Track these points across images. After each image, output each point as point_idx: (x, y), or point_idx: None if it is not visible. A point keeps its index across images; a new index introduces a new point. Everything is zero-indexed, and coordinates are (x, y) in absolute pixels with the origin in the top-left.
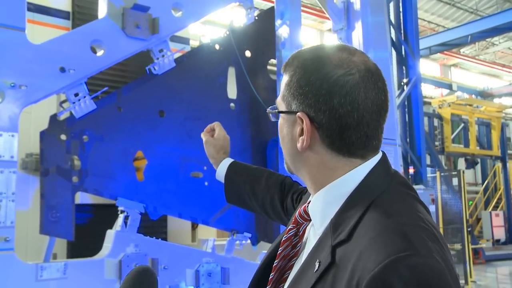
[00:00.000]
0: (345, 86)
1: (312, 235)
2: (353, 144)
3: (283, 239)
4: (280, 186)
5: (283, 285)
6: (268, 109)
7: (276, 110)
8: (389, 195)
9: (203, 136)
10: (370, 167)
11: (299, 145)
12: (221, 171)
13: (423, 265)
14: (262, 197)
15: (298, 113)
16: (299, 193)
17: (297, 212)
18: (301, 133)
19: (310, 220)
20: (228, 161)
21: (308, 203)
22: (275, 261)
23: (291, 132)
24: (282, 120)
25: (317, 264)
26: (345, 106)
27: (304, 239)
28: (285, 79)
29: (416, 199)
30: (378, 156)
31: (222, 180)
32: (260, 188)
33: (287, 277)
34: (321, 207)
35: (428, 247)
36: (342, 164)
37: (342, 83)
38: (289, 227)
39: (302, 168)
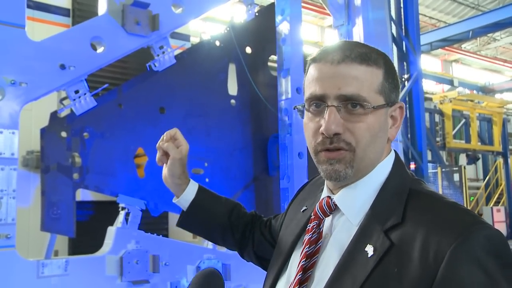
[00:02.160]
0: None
1: (340, 227)
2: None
3: (307, 237)
4: (253, 218)
5: (307, 285)
6: (374, 106)
7: (388, 104)
8: (418, 183)
9: (169, 149)
10: (393, 158)
11: (391, 135)
12: (187, 197)
13: (495, 235)
14: (242, 229)
15: (400, 103)
16: (266, 222)
17: (317, 207)
18: (392, 123)
19: (330, 214)
20: (194, 185)
21: (329, 198)
22: (302, 261)
23: (386, 124)
24: (378, 114)
25: (370, 250)
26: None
27: (324, 234)
28: (376, 71)
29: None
30: (393, 150)
31: (185, 206)
32: (239, 221)
33: (310, 275)
34: (356, 197)
35: (485, 220)
36: (387, 151)
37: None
38: (312, 225)
39: (378, 160)
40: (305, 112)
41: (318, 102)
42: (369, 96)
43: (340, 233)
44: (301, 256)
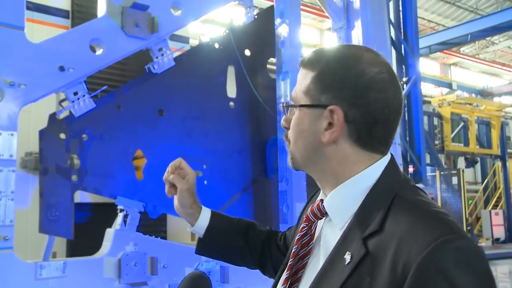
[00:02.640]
0: (379, 83)
1: (329, 231)
2: (378, 140)
3: (297, 237)
4: (269, 234)
5: (297, 285)
6: (287, 103)
7: (299, 104)
8: (409, 189)
9: (176, 181)
10: (385, 163)
11: (325, 139)
12: (202, 224)
13: (467, 247)
14: (261, 248)
15: (331, 107)
16: (281, 236)
17: (309, 210)
18: (328, 127)
19: (323, 217)
20: (207, 212)
21: (321, 201)
22: (290, 260)
23: (314, 125)
24: (302, 114)
25: (348, 257)
26: (379, 102)
27: (316, 237)
28: (309, 74)
29: (424, 192)
30: (388, 155)
31: (201, 233)
32: (255, 240)
33: (301, 276)
34: (342, 202)
35: (463, 231)
36: (364, 159)
37: (377, 80)
38: (302, 226)
39: (320, 162)
40: None
41: None
42: (297, 96)
43: (328, 236)
44: (291, 255)
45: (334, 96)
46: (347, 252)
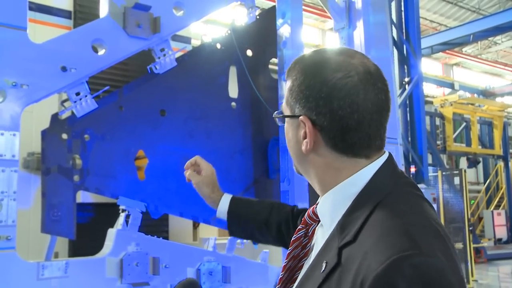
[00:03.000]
0: (343, 89)
1: (321, 235)
2: (355, 145)
3: (292, 239)
4: (291, 213)
5: (293, 286)
6: (275, 114)
7: (281, 115)
8: (395, 196)
9: (191, 177)
10: (376, 167)
11: (303, 147)
12: (223, 209)
13: (425, 264)
14: (277, 227)
15: (301, 117)
16: (299, 215)
17: (306, 213)
18: (305, 136)
19: (319, 221)
20: (227, 197)
21: (317, 204)
22: (285, 261)
23: (295, 135)
24: (287, 124)
25: (324, 265)
26: (345, 108)
27: (313, 240)
28: (288, 84)
29: (422, 198)
30: (385, 156)
31: (225, 217)
32: (272, 219)
33: (297, 277)
34: (330, 208)
35: (432, 246)
36: (348, 165)
37: (341, 86)
38: (298, 228)
39: (309, 169)
40: None
41: None
42: (282, 106)
43: (319, 240)
44: (286, 256)
45: (304, 106)
46: (324, 260)
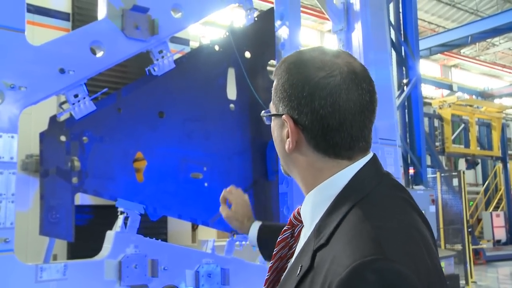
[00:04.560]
0: (325, 88)
1: (303, 237)
2: (337, 145)
3: (278, 239)
4: None
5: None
6: (262, 113)
7: (267, 114)
8: (373, 198)
9: (222, 211)
10: (356, 169)
11: (286, 146)
12: (252, 237)
13: (388, 270)
14: None
15: (283, 116)
16: None
17: (292, 213)
18: (288, 135)
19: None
20: (256, 225)
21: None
22: (271, 262)
23: (280, 134)
24: (273, 123)
25: (299, 268)
26: (326, 108)
27: (297, 241)
28: (274, 83)
29: (405, 200)
30: (367, 157)
31: (256, 245)
32: None
33: (281, 277)
34: (310, 209)
35: (399, 250)
36: (330, 165)
37: (323, 85)
38: (284, 228)
39: (293, 169)
40: None
41: None
42: (270, 105)
43: (301, 241)
44: (272, 257)
45: (287, 105)
46: (300, 263)
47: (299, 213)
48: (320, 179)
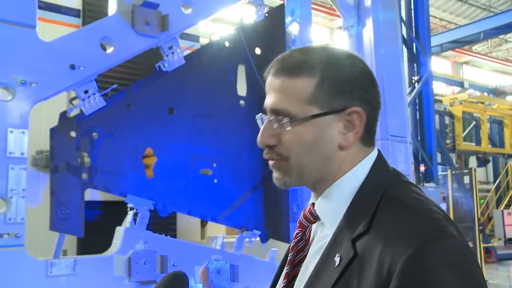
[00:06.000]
0: (375, 79)
1: (321, 234)
2: (374, 134)
3: (292, 244)
4: None
5: None
6: (286, 120)
7: (312, 115)
8: (397, 186)
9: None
10: (373, 158)
11: (346, 142)
12: None
13: (453, 245)
14: None
15: (353, 108)
16: None
17: (301, 215)
18: (345, 130)
19: (315, 221)
20: None
21: (312, 205)
22: (286, 268)
23: (327, 133)
24: (309, 125)
25: (337, 259)
26: (378, 94)
27: (310, 241)
28: (307, 81)
29: (417, 186)
30: (375, 151)
31: None
32: None
33: (295, 283)
34: (332, 203)
35: (450, 228)
36: (361, 155)
37: (373, 76)
38: (296, 232)
39: (325, 169)
40: None
41: (263, 114)
42: (295, 108)
43: (320, 241)
44: (286, 263)
45: (350, 98)
46: (337, 254)
47: (310, 213)
48: (343, 171)
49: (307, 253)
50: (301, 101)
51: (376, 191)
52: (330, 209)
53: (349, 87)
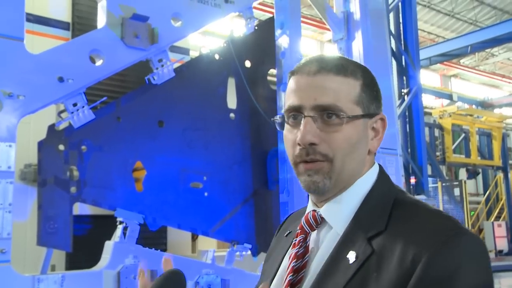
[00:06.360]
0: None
1: (329, 239)
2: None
3: (294, 252)
4: None
5: None
6: (350, 116)
7: (361, 114)
8: (404, 193)
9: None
10: (377, 170)
11: (373, 147)
12: None
13: (477, 240)
14: None
15: (381, 115)
16: None
17: (303, 221)
18: (375, 135)
19: (317, 227)
20: None
21: (314, 211)
22: (289, 276)
23: (365, 136)
24: (355, 125)
25: (351, 256)
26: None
27: (311, 249)
28: (353, 82)
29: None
30: (376, 162)
31: None
32: None
33: None
34: (345, 208)
35: (466, 227)
36: (372, 163)
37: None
38: (299, 239)
39: (355, 174)
40: (285, 124)
41: (296, 113)
42: (345, 106)
43: (326, 246)
44: (287, 272)
45: (378, 105)
46: (351, 252)
47: (314, 218)
48: (360, 176)
49: (307, 260)
50: (350, 100)
51: (388, 196)
52: (341, 213)
53: (377, 95)
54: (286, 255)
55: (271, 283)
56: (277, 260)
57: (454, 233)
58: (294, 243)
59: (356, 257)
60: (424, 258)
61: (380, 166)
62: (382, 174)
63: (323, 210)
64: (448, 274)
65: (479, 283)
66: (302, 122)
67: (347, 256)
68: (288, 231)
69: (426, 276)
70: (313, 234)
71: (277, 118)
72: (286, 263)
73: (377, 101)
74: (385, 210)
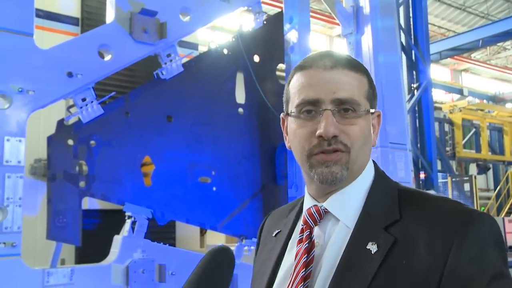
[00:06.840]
0: None
1: (338, 232)
2: None
3: (304, 247)
4: None
5: None
6: (368, 110)
7: (373, 109)
8: (399, 183)
9: None
10: (372, 163)
11: (374, 141)
12: None
13: (495, 223)
14: None
15: (379, 111)
16: None
17: (306, 215)
18: (373, 130)
19: (320, 221)
20: None
21: (316, 206)
22: (302, 271)
23: (371, 130)
24: (366, 119)
25: (373, 247)
26: None
27: (315, 243)
28: (363, 79)
29: None
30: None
31: None
32: None
33: (308, 286)
34: (351, 200)
35: None
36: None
37: None
38: (306, 234)
39: (363, 166)
40: (293, 119)
41: (311, 107)
42: (360, 100)
43: (337, 239)
44: (299, 267)
45: (376, 102)
46: (370, 243)
47: (318, 212)
48: (364, 168)
49: (313, 256)
50: (363, 95)
51: (391, 188)
52: (348, 206)
53: (376, 92)
54: (287, 252)
55: (270, 282)
56: (272, 260)
57: (477, 215)
58: (302, 238)
59: (378, 247)
60: (456, 243)
61: (373, 160)
62: (378, 168)
63: (328, 204)
64: (480, 252)
65: (504, 256)
66: (321, 115)
67: (367, 247)
68: (278, 230)
69: (463, 257)
70: (316, 229)
71: (293, 111)
72: (292, 261)
73: (376, 98)
74: (394, 200)
